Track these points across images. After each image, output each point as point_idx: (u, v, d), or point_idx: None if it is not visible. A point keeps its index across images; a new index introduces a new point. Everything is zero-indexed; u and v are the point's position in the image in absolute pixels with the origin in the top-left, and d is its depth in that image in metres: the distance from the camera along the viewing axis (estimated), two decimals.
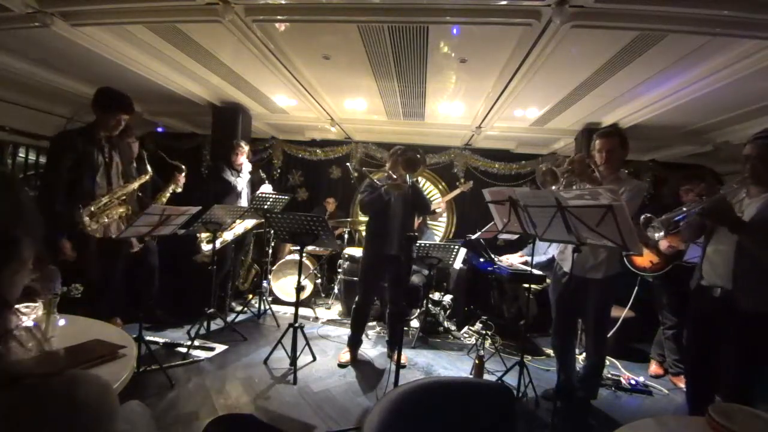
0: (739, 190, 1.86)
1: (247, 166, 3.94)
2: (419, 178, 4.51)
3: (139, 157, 3.07)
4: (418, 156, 2.74)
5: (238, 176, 3.86)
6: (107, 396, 0.57)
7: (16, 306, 0.56)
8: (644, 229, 2.08)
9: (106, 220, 2.51)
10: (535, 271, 3.42)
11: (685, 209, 1.89)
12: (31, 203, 0.59)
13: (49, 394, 0.51)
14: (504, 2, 2.05)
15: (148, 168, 2.89)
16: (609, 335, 2.74)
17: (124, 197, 2.63)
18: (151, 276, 3.42)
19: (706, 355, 1.98)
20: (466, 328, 3.97)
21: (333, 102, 4.00)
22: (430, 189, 5.52)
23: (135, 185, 2.71)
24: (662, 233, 1.86)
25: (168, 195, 3.22)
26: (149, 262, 3.39)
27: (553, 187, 2.27)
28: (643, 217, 1.94)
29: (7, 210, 0.55)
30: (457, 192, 5.06)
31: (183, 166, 3.30)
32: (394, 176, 2.83)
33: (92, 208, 2.44)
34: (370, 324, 3.83)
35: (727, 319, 1.81)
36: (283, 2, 2.23)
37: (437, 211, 4.89)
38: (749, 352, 1.77)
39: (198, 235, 3.46)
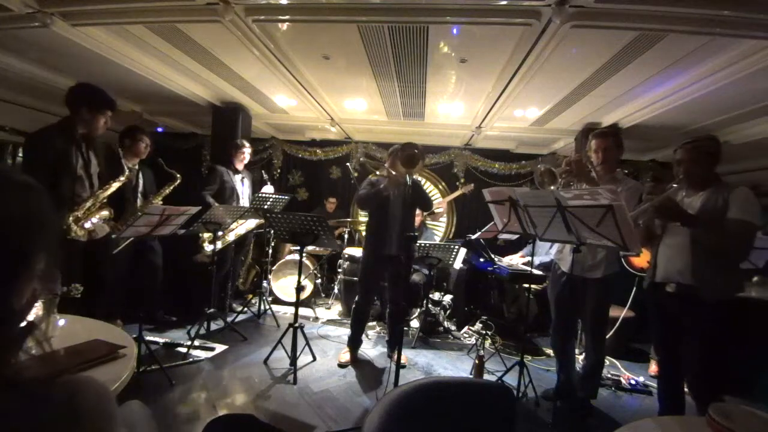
0: (678, 190, 2.02)
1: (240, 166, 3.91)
2: (420, 177, 4.52)
3: (115, 156, 2.95)
4: (417, 152, 2.74)
5: (237, 176, 3.85)
6: (107, 402, 0.57)
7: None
8: None
9: (89, 225, 2.41)
10: (535, 271, 3.42)
11: (639, 208, 2.03)
12: (48, 213, 0.58)
13: (49, 400, 0.51)
14: (504, 2, 2.05)
15: (125, 168, 2.74)
16: (609, 335, 2.75)
17: (105, 199, 2.51)
18: (154, 276, 3.42)
19: (671, 349, 2.07)
20: (466, 328, 3.97)
21: (333, 102, 4.00)
22: (430, 189, 5.52)
23: (114, 187, 2.57)
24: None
25: (160, 198, 3.19)
26: (152, 263, 3.39)
27: (552, 188, 2.28)
28: None
29: (22, 221, 0.54)
30: (458, 193, 5.06)
31: (178, 176, 3.21)
32: (394, 173, 2.83)
33: (78, 214, 2.32)
34: (370, 324, 3.83)
35: (685, 312, 1.92)
36: (283, 2, 2.23)
37: (437, 211, 4.89)
38: (712, 340, 1.86)
39: (200, 235, 3.45)
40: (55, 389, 0.52)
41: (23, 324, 0.55)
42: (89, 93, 2.38)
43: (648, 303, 2.18)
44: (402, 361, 2.42)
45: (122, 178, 2.62)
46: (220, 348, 3.06)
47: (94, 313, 1.98)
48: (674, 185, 1.99)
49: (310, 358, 2.97)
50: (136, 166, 3.26)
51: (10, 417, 0.47)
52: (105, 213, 2.51)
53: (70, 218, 2.30)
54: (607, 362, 2.85)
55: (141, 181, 3.28)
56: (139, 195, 3.25)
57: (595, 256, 2.31)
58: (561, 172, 2.27)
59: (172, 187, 3.23)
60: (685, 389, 2.07)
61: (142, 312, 2.72)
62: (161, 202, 3.14)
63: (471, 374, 2.88)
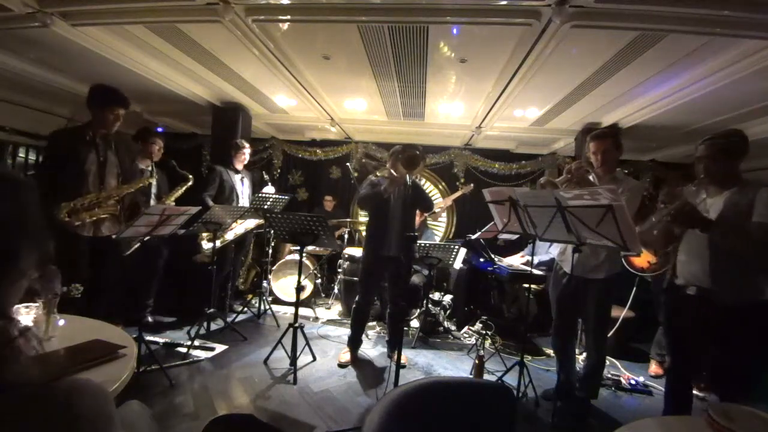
0: (698, 191, 1.94)
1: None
2: (421, 178, 4.52)
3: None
4: (418, 153, 2.74)
5: (237, 176, 3.85)
6: (105, 403, 0.56)
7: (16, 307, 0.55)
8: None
9: (88, 218, 2.42)
10: (536, 271, 3.42)
11: (654, 219, 1.95)
12: (36, 211, 0.57)
13: (48, 403, 0.50)
14: (504, 2, 2.05)
15: (153, 171, 2.85)
16: (609, 335, 2.75)
17: (117, 197, 2.55)
18: (153, 279, 3.42)
19: (685, 352, 2.02)
20: (466, 328, 3.97)
21: (333, 102, 4.00)
22: (430, 189, 5.52)
23: (133, 187, 2.65)
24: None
25: (172, 199, 3.24)
26: (155, 265, 3.39)
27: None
28: None
29: (8, 219, 0.53)
30: (458, 194, 5.06)
31: (190, 177, 3.30)
32: (395, 174, 2.84)
33: (72, 204, 2.35)
34: (370, 324, 3.83)
35: (705, 316, 1.85)
36: (283, 2, 2.23)
37: (437, 211, 4.89)
38: (735, 344, 1.80)
39: (199, 234, 3.46)
40: (53, 391, 0.52)
41: (19, 325, 0.55)
42: (97, 91, 2.48)
43: (665, 304, 2.10)
44: (402, 361, 2.42)
45: (152, 180, 2.77)
46: (220, 348, 3.06)
47: (95, 312, 1.98)
48: (693, 187, 1.91)
49: (310, 358, 2.97)
50: (149, 168, 3.30)
51: (8, 419, 0.47)
52: (112, 210, 2.53)
53: (65, 210, 2.32)
54: (607, 362, 2.86)
55: (154, 182, 3.32)
56: (153, 196, 3.30)
57: (599, 256, 2.31)
58: (562, 181, 2.26)
59: (184, 188, 3.29)
60: (694, 391, 2.04)
61: (139, 312, 2.72)
62: (174, 203, 3.16)
63: (471, 374, 2.88)
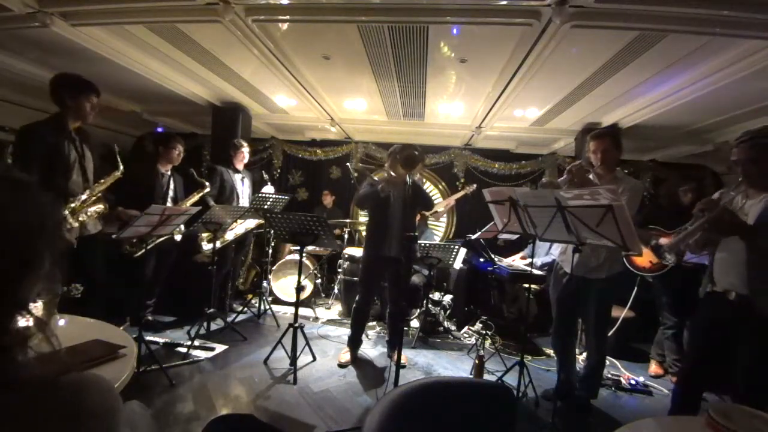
0: (736, 195, 1.85)
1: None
2: (421, 178, 4.51)
3: (110, 153, 2.97)
4: (416, 153, 2.74)
5: (237, 175, 3.85)
6: (112, 400, 0.57)
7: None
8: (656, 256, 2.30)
9: (84, 217, 2.38)
10: (535, 271, 3.42)
11: (689, 228, 1.85)
12: (51, 212, 0.58)
13: (56, 398, 0.51)
14: (504, 2, 2.05)
15: (120, 165, 2.65)
16: (609, 335, 2.75)
17: (99, 194, 2.49)
18: (159, 278, 3.43)
19: (709, 359, 1.94)
20: (466, 328, 3.97)
21: (333, 102, 4.00)
22: (430, 189, 5.52)
23: (108, 182, 2.56)
24: (674, 258, 1.87)
25: (189, 203, 3.28)
26: (165, 265, 3.41)
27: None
28: (651, 244, 1.97)
29: (31, 221, 0.54)
30: (461, 194, 5.06)
31: (207, 184, 3.42)
32: (394, 174, 2.83)
33: (73, 205, 2.31)
34: (370, 324, 3.83)
35: (742, 322, 1.76)
36: (283, 2, 2.23)
37: (439, 210, 4.88)
38: (766, 354, 1.72)
39: (199, 234, 3.46)
40: (61, 387, 0.52)
41: (30, 322, 0.56)
42: (66, 80, 2.33)
43: (701, 309, 2.00)
44: (402, 361, 2.42)
45: (117, 174, 2.60)
46: (220, 348, 3.06)
47: (93, 312, 1.97)
48: (732, 192, 1.82)
49: (310, 358, 2.97)
50: (168, 172, 3.35)
51: (17, 415, 0.47)
52: (100, 206, 2.49)
53: (66, 211, 2.30)
54: (607, 362, 2.86)
55: (172, 186, 3.35)
56: (170, 200, 3.32)
57: (599, 256, 2.31)
58: (564, 182, 2.27)
59: (200, 195, 3.35)
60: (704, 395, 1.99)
61: (141, 311, 2.71)
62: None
63: (471, 374, 2.88)
